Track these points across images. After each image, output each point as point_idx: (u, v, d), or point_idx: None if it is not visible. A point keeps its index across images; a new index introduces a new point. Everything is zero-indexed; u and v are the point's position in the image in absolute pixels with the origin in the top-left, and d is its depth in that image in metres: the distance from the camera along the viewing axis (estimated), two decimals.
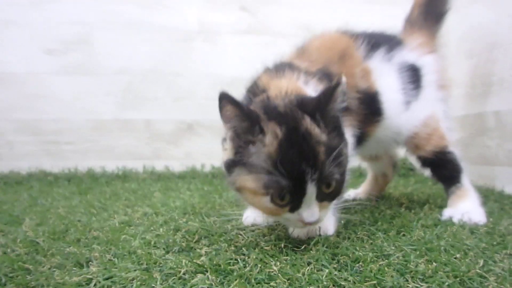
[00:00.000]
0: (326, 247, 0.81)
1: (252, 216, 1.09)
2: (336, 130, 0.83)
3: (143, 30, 2.22)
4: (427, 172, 1.23)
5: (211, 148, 2.25)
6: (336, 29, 1.20)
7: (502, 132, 1.62)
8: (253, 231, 0.98)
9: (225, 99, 0.80)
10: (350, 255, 0.75)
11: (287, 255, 0.77)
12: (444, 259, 0.72)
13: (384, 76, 1.12)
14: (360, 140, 1.08)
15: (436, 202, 1.30)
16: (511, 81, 1.56)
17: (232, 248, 0.83)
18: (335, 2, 2.42)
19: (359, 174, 2.00)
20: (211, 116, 2.25)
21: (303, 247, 0.82)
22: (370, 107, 1.09)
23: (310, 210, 0.79)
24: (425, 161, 1.18)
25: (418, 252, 0.78)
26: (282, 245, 0.83)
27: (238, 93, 2.43)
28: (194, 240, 0.90)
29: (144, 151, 2.24)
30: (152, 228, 1.02)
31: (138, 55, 2.22)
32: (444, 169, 1.17)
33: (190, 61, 2.28)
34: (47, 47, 2.14)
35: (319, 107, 0.80)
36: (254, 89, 0.96)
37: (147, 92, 2.24)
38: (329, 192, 0.81)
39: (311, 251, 0.79)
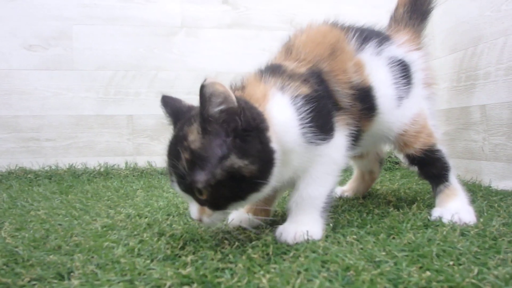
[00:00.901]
0: (315, 254, 0.79)
1: (237, 218, 1.07)
2: (219, 137, 0.80)
3: (124, 25, 2.17)
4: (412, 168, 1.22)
5: None
6: (322, 21, 1.16)
7: (488, 126, 1.63)
8: (239, 235, 0.96)
9: (161, 100, 0.99)
10: (340, 263, 0.73)
11: (275, 263, 0.76)
12: (437, 266, 0.70)
13: (377, 70, 1.09)
14: (356, 137, 1.06)
15: (423, 200, 1.30)
16: (497, 75, 1.57)
17: (219, 255, 0.81)
18: None
19: (346, 170, 1.99)
20: None
21: (291, 254, 0.81)
22: (364, 102, 1.05)
23: (191, 207, 0.85)
24: (414, 159, 1.16)
25: (410, 258, 0.76)
26: (270, 252, 0.82)
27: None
28: (178, 247, 0.87)
29: (126, 147, 2.20)
30: (135, 232, 1.00)
31: (119, 50, 2.17)
32: (432, 167, 1.15)
33: (173, 55, 2.24)
34: (27, 42, 2.08)
35: (200, 113, 0.80)
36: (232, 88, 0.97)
37: (129, 87, 2.19)
38: (204, 200, 0.82)
39: (300, 258, 0.78)
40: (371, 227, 1.00)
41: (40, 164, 2.07)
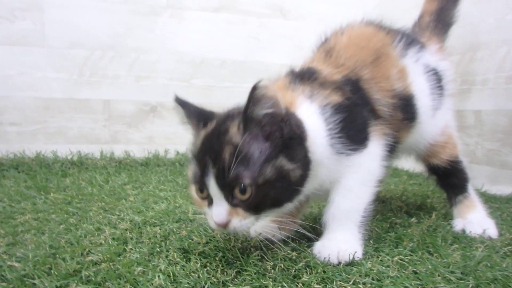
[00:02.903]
0: (371, 279, 0.74)
1: (261, 227, 0.99)
2: (262, 138, 0.78)
3: None
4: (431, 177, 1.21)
5: (175, 133, 2.09)
6: (363, 21, 1.10)
7: (482, 131, 1.64)
8: (276, 253, 0.88)
9: (176, 102, 0.88)
10: None
11: None
12: None
13: (418, 78, 1.05)
14: (392, 148, 1.01)
15: (433, 205, 1.30)
16: (496, 83, 1.58)
17: (271, 282, 0.73)
18: None
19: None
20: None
21: (351, 281, 0.74)
22: (405, 111, 1.01)
23: (217, 208, 0.77)
24: (438, 169, 1.14)
25: (470, 286, 0.73)
26: (327, 276, 0.75)
27: (206, 73, 2.27)
28: (223, 271, 0.78)
29: (101, 134, 2.02)
30: (157, 249, 0.88)
31: (97, 27, 1.97)
32: (454, 177, 1.15)
33: (156, 37, 2.08)
34: None
35: (243, 111, 0.78)
36: None
37: (106, 69, 2.00)
38: (244, 199, 0.76)
39: (359, 286, 0.72)
40: (407, 243, 0.96)
41: (4, 151, 1.84)
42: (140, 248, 0.89)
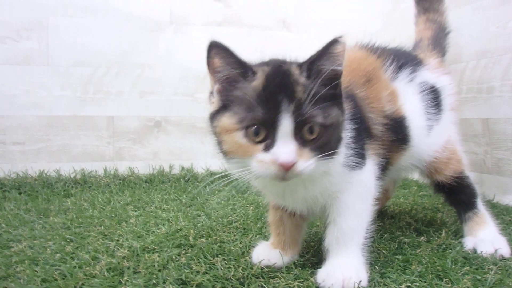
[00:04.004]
0: None
1: (263, 253, 0.95)
2: (325, 86, 0.78)
3: (107, 17, 1.96)
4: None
5: (180, 148, 2.06)
6: (356, 43, 1.10)
7: (490, 139, 1.61)
8: (278, 283, 0.83)
9: (216, 47, 0.78)
10: None
11: None
12: None
13: (410, 99, 1.05)
14: (383, 169, 0.99)
15: (443, 220, 1.27)
16: (502, 91, 1.56)
17: None
18: None
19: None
20: (181, 112, 2.06)
21: None
22: (397, 134, 1.00)
23: (286, 147, 0.74)
24: (443, 187, 1.12)
25: None
26: None
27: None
28: None
29: (105, 151, 1.99)
30: (154, 280, 0.84)
31: (101, 45, 1.96)
32: (461, 194, 1.12)
33: (160, 53, 2.06)
34: None
35: (307, 61, 0.80)
36: None
37: (111, 86, 1.99)
38: (312, 139, 0.76)
39: None
40: (416, 267, 0.92)
41: (6, 171, 1.83)
42: (136, 279, 0.84)
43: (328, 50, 0.77)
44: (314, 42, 2.19)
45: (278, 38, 2.24)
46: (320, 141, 0.77)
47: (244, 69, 0.79)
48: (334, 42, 0.77)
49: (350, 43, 1.08)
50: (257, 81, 0.78)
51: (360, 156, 0.88)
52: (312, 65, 0.79)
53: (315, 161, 0.77)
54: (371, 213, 0.92)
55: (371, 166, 0.93)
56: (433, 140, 1.09)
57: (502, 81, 1.55)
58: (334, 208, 0.89)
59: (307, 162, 0.75)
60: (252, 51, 2.20)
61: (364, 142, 0.91)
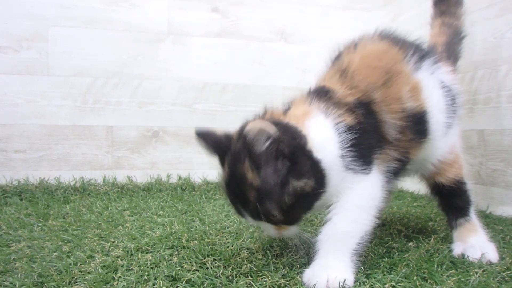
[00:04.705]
0: None
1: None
2: (272, 164, 0.85)
3: (106, 28, 2.02)
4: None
5: (178, 158, 2.10)
6: (376, 31, 1.09)
7: (485, 151, 1.62)
8: (265, 281, 0.86)
9: (196, 134, 0.95)
10: None
11: None
12: None
13: (433, 93, 1.03)
14: (401, 168, 1.01)
15: (434, 228, 1.27)
16: (498, 102, 1.56)
17: None
18: (309, 6, 2.36)
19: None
20: (178, 123, 2.11)
21: None
22: (417, 129, 1.00)
23: (265, 229, 0.93)
24: (442, 188, 1.11)
25: None
26: None
27: (209, 98, 2.31)
28: None
29: (104, 160, 2.04)
30: (145, 277, 0.88)
31: (100, 55, 2.02)
32: (458, 199, 1.12)
33: (158, 63, 2.11)
34: None
35: (248, 156, 0.85)
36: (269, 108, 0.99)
37: (110, 96, 2.04)
38: (279, 220, 0.88)
39: None
40: (402, 268, 0.94)
41: (8, 178, 1.87)
42: (128, 276, 0.88)
43: (248, 141, 0.83)
44: (312, 53, 2.28)
45: (276, 49, 2.30)
46: (288, 219, 0.89)
47: (218, 155, 0.94)
48: (245, 134, 0.83)
49: (368, 33, 1.10)
50: (224, 175, 0.92)
51: (364, 161, 0.90)
52: (253, 157, 0.84)
53: (295, 226, 0.92)
54: (370, 222, 0.91)
55: (377, 175, 0.93)
56: (446, 140, 1.08)
57: (499, 91, 1.56)
58: (334, 209, 0.90)
59: (288, 230, 0.92)
60: (251, 62, 2.27)
61: (371, 151, 0.92)
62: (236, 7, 2.24)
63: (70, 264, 0.95)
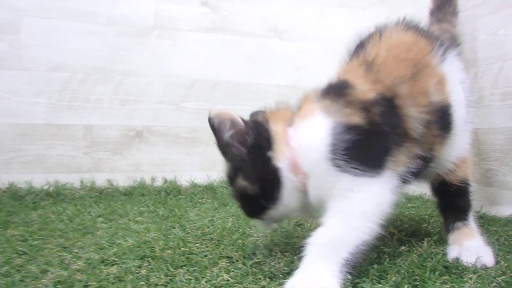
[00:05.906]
0: None
1: None
2: (236, 159, 0.89)
3: (87, 21, 1.88)
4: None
5: (164, 159, 1.96)
6: (399, 21, 1.03)
7: (479, 150, 1.56)
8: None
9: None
10: None
11: None
12: None
13: (455, 87, 0.99)
14: (422, 167, 0.93)
15: (428, 231, 1.20)
16: (491, 100, 1.51)
17: None
18: (304, 2, 2.25)
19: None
20: (165, 122, 1.96)
21: None
22: (442, 123, 0.95)
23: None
24: (448, 187, 1.04)
25: None
26: None
27: (199, 96, 2.17)
28: None
29: (82, 162, 1.88)
30: None
31: (79, 49, 1.87)
32: (460, 200, 1.05)
33: (144, 59, 1.97)
34: None
35: (216, 143, 0.91)
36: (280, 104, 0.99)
37: (89, 93, 1.89)
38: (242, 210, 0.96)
39: None
40: (392, 276, 0.82)
41: None
42: None
43: (212, 128, 0.88)
44: (308, 51, 2.15)
45: (270, 46, 2.17)
46: (243, 209, 0.95)
47: None
48: (209, 121, 0.87)
49: (391, 22, 1.03)
50: None
51: (369, 163, 0.82)
52: (219, 146, 0.90)
53: (260, 222, 0.97)
54: (371, 232, 0.81)
55: (388, 178, 0.85)
56: (465, 136, 1.05)
57: (492, 90, 1.50)
58: (329, 212, 0.82)
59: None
60: (243, 59, 2.13)
61: (382, 152, 0.85)
62: (228, 1, 2.11)
63: (17, 280, 0.79)
